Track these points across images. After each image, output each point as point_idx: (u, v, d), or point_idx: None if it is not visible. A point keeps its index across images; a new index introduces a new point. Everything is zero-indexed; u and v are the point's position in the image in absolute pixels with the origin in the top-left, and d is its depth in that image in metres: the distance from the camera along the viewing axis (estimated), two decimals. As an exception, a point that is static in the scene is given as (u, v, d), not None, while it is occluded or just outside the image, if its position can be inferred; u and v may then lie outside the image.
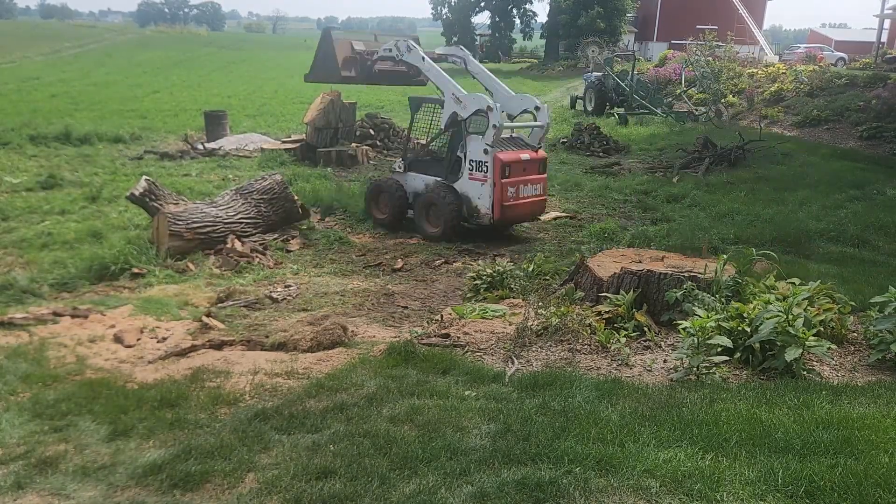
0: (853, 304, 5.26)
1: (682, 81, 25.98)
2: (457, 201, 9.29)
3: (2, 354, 5.03)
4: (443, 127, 9.62)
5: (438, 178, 9.62)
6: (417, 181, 9.86)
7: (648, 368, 4.62)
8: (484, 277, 6.98)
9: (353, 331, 5.72)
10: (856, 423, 3.60)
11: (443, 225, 9.35)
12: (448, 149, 9.78)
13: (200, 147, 16.34)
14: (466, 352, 4.97)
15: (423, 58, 9.83)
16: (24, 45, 47.39)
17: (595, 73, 26.82)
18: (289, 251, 8.90)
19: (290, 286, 7.38)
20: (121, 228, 9.28)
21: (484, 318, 5.64)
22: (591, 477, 3.14)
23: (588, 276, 5.69)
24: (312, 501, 3.06)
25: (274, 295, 7.05)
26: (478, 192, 9.16)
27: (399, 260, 8.56)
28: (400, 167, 10.14)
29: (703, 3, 47.56)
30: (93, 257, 7.83)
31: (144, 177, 9.22)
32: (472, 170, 9.16)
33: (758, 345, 4.46)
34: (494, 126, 8.90)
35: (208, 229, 8.57)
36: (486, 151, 8.98)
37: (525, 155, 9.33)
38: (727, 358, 4.46)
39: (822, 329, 4.72)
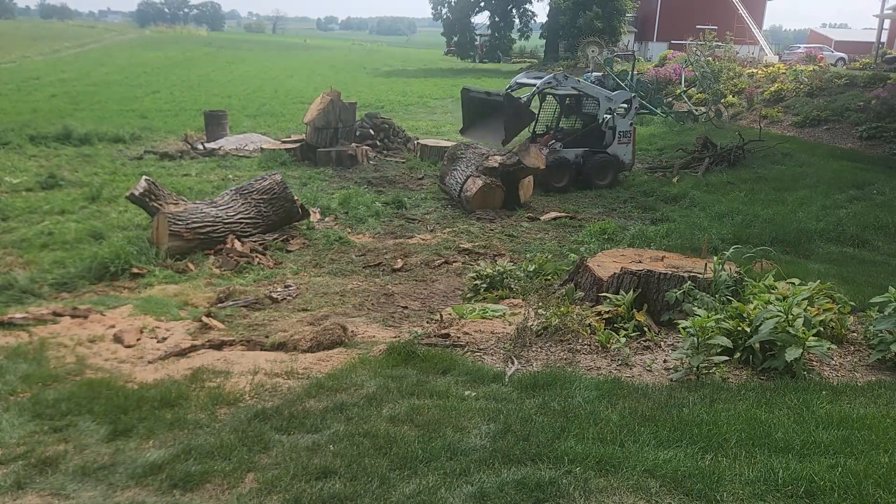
0: (853, 304, 5.26)
1: (682, 81, 25.95)
2: (615, 159, 13.61)
3: (2, 354, 5.03)
4: (604, 116, 13.57)
5: (586, 148, 13.38)
6: (570, 153, 13.36)
7: (648, 368, 4.62)
8: (484, 277, 6.98)
9: (353, 331, 5.71)
10: (855, 423, 3.61)
11: (611, 176, 13.56)
12: (605, 127, 13.69)
13: (200, 147, 16.32)
14: (466, 352, 4.97)
15: (577, 81, 13.97)
16: (24, 45, 47.30)
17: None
18: (289, 251, 8.90)
19: (289, 286, 7.38)
20: (121, 228, 9.29)
21: (484, 318, 5.64)
22: (591, 477, 3.14)
23: (588, 276, 5.69)
24: (312, 501, 3.07)
25: (274, 295, 7.05)
26: (624, 150, 13.70)
27: (399, 260, 8.55)
28: (559, 146, 13.34)
29: (702, 3, 47.47)
30: (93, 257, 7.82)
31: (144, 177, 9.22)
32: (620, 138, 13.63)
33: (758, 345, 4.47)
34: (635, 109, 14.04)
35: (208, 229, 8.58)
36: (631, 125, 13.76)
37: None
38: (727, 358, 4.46)
39: (821, 329, 4.72)
